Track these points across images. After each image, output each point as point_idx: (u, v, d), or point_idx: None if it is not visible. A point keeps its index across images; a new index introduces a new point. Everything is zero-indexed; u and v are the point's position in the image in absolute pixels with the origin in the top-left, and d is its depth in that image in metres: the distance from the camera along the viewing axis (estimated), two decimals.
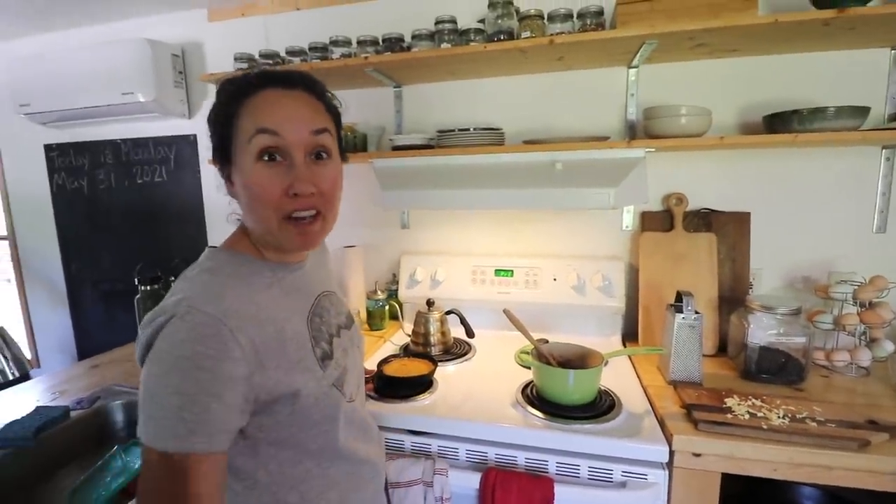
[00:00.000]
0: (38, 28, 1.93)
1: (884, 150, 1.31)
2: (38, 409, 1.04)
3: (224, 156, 0.64)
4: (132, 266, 1.68)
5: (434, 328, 1.40)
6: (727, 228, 1.40)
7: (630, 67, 1.42)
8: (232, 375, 0.54)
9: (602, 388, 1.10)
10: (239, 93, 0.62)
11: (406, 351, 1.41)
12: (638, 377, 1.21)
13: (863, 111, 1.14)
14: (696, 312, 1.14)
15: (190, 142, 1.89)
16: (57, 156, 2.07)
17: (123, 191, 2.01)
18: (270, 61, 1.54)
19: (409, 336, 1.45)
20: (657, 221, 1.46)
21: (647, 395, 1.11)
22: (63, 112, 1.80)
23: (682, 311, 1.14)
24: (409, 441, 1.04)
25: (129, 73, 1.68)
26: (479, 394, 1.13)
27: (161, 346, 0.54)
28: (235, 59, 1.56)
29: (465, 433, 1.01)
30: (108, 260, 2.09)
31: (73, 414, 1.07)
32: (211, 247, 0.67)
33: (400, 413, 1.04)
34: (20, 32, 1.97)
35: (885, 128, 1.23)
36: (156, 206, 1.98)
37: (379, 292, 1.62)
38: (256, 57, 1.55)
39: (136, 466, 0.95)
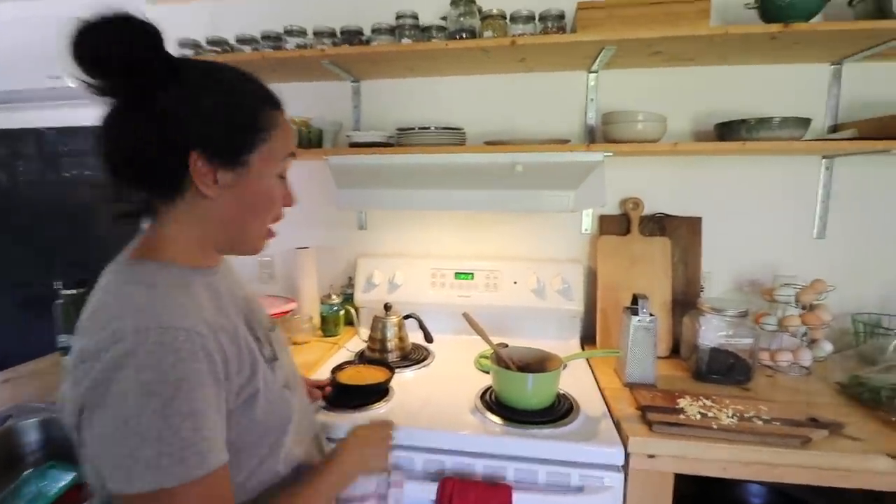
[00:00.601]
0: None
1: (823, 160, 1.42)
2: None
3: (232, 156, 0.61)
4: (53, 269, 1.55)
5: (391, 333, 1.38)
6: (680, 232, 1.46)
7: (590, 72, 1.47)
8: (220, 386, 0.56)
9: (561, 391, 1.11)
10: (269, 101, 0.65)
11: (362, 358, 1.38)
12: (596, 380, 1.24)
13: (805, 122, 1.22)
14: (651, 315, 1.18)
15: None
16: None
17: (47, 185, 1.87)
18: (218, 48, 1.47)
19: (366, 342, 1.42)
20: (615, 225, 1.51)
21: (604, 397, 1.14)
22: None
23: (637, 314, 1.18)
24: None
25: (57, 54, 1.56)
26: (438, 400, 1.12)
27: (144, 379, 0.49)
28: (180, 45, 1.48)
29: (422, 442, 0.99)
30: (27, 262, 1.93)
31: None
32: (121, 263, 0.60)
33: (354, 423, 1.01)
34: None
35: (825, 138, 1.32)
36: (84, 201, 1.85)
37: (333, 296, 1.58)
38: (203, 44, 1.48)
39: (53, 492, 0.87)
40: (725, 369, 1.21)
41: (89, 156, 1.83)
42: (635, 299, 1.20)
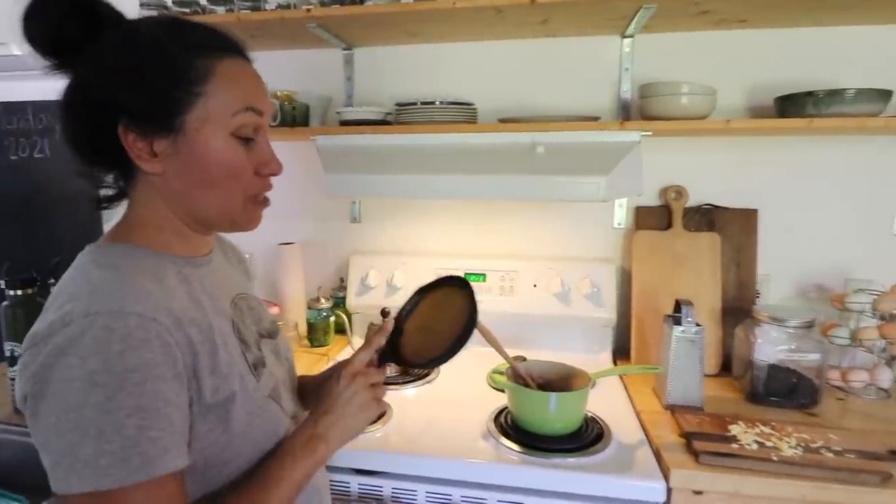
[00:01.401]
0: None
1: None
2: None
3: (160, 122, 0.59)
4: (1, 266, 1.56)
5: None
6: (732, 227, 1.44)
7: (624, 37, 1.44)
8: (181, 381, 0.55)
9: (589, 414, 1.10)
10: (203, 50, 0.60)
11: None
12: (630, 401, 1.22)
13: (885, 94, 1.19)
14: (697, 325, 1.16)
15: None
16: None
17: None
18: (188, 9, 1.46)
19: None
20: (654, 218, 1.49)
21: (640, 421, 1.12)
22: None
23: (680, 324, 1.16)
24: (355, 483, 1.01)
25: (1, 20, 1.56)
26: (443, 423, 1.11)
27: (89, 367, 0.50)
28: (141, 5, 1.48)
29: (425, 471, 0.98)
30: None
31: None
32: (93, 245, 0.63)
33: (344, 449, 1.00)
34: None
35: None
36: (34, 189, 1.85)
37: (322, 300, 1.57)
38: (170, 4, 1.47)
39: None
40: (787, 390, 1.18)
41: (40, 136, 1.83)
42: (678, 306, 1.18)
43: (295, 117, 1.50)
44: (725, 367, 1.37)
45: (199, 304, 0.63)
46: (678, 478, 0.92)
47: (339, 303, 1.63)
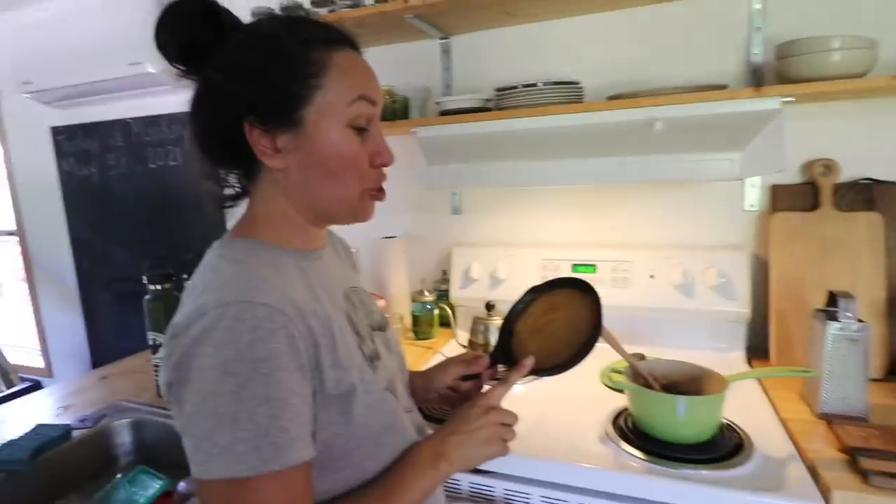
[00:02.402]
0: None
1: None
2: (37, 427, 1.09)
3: (283, 117, 0.61)
4: (144, 263, 1.74)
5: (496, 337, 1.32)
6: None
7: None
8: (305, 372, 0.57)
9: (724, 421, 0.98)
10: (318, 43, 0.62)
11: None
12: (773, 407, 1.08)
13: None
14: (859, 321, 0.99)
15: None
16: (64, 139, 2.20)
17: (135, 177, 2.10)
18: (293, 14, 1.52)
19: (465, 347, 1.39)
20: (795, 198, 1.30)
21: (787, 432, 0.99)
22: (67, 89, 1.89)
23: (837, 319, 1.00)
24: (466, 481, 0.99)
25: (137, 40, 1.73)
26: (556, 422, 1.06)
27: (223, 357, 0.52)
28: (253, 15, 1.55)
29: (539, 474, 0.94)
30: (121, 256, 2.20)
31: (75, 434, 1.10)
32: (219, 241, 0.67)
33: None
34: (17, 2, 2.08)
35: None
36: (170, 193, 2.05)
37: (426, 293, 1.57)
38: (277, 11, 1.54)
39: (143, 500, 0.95)
40: None
41: (173, 145, 2.02)
42: (833, 299, 1.02)
43: (395, 111, 1.51)
44: (893, 371, 1.17)
45: (317, 296, 0.64)
46: (842, 501, 0.79)
47: (443, 296, 1.63)
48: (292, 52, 0.60)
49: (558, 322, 0.79)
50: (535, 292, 0.84)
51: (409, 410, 0.75)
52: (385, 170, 0.69)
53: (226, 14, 0.63)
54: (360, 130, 0.64)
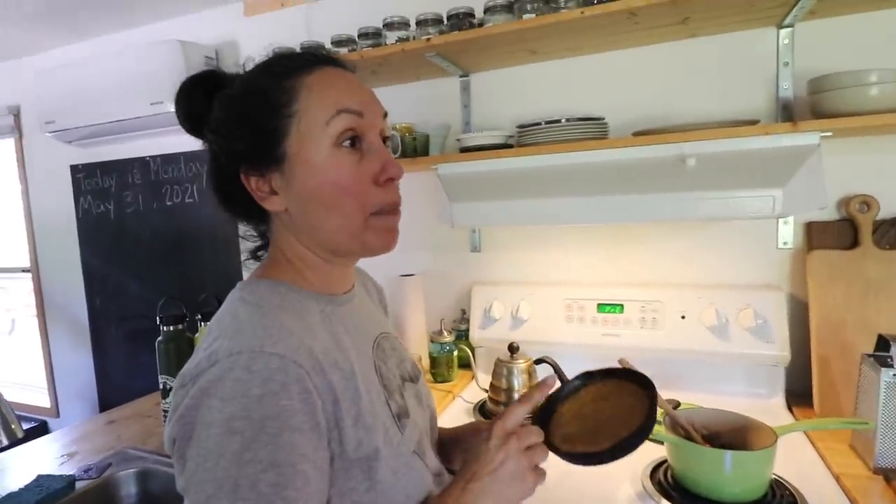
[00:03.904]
0: (64, 39, 2.11)
1: None
2: (39, 478, 1.05)
3: (266, 157, 0.59)
4: (158, 301, 1.72)
5: (519, 382, 1.27)
6: None
7: (781, 27, 1.26)
8: (321, 432, 0.52)
9: (773, 476, 0.91)
10: (290, 71, 0.60)
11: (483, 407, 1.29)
12: (823, 460, 1.01)
13: None
14: None
15: None
16: (84, 177, 2.23)
17: (152, 214, 2.11)
18: None
19: (486, 391, 1.34)
20: (832, 235, 1.25)
21: (843, 489, 0.91)
22: (89, 128, 1.92)
23: (891, 366, 0.94)
24: None
25: (159, 81, 1.77)
26: (586, 474, 0.98)
27: (228, 413, 0.48)
28: (245, 62, 1.58)
29: None
30: (134, 294, 2.18)
31: (78, 485, 1.06)
32: (243, 281, 0.64)
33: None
34: (46, 45, 2.16)
35: None
36: (186, 231, 2.05)
37: (445, 333, 1.52)
38: (298, 51, 1.56)
39: None
40: None
41: (190, 183, 2.03)
42: (885, 343, 0.96)
43: (416, 148, 1.50)
44: None
45: (342, 345, 0.60)
46: None
47: (462, 335, 1.58)
48: (264, 88, 0.59)
49: (605, 412, 0.72)
50: (589, 378, 0.78)
51: (438, 474, 0.69)
52: (402, 207, 0.64)
53: (220, 78, 0.64)
54: (353, 147, 0.60)
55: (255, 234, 0.70)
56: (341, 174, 0.58)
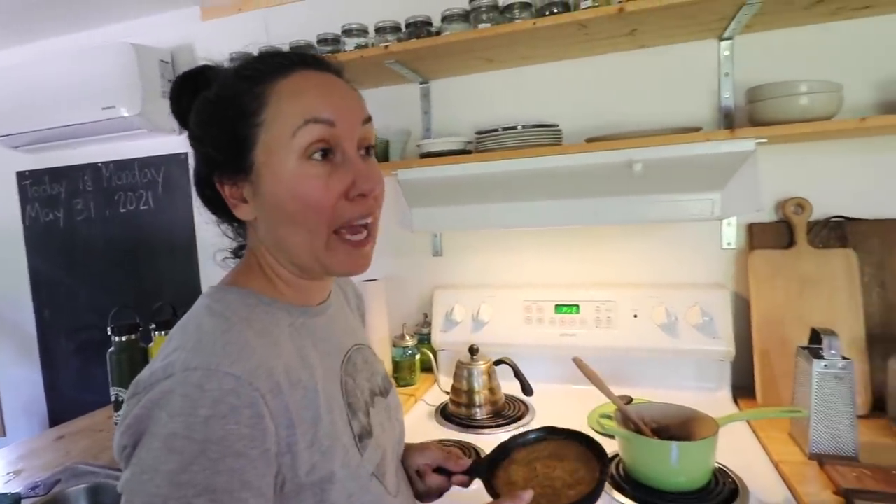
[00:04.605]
0: (12, 41, 2.03)
1: None
2: None
3: (236, 165, 0.57)
4: (111, 311, 1.67)
5: (480, 383, 1.30)
6: (871, 242, 1.25)
7: (722, 39, 1.33)
8: (269, 459, 0.50)
9: (716, 465, 0.96)
10: (262, 76, 0.56)
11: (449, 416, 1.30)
12: (764, 448, 1.07)
13: None
14: (844, 358, 1.00)
15: (180, 161, 1.91)
16: (30, 184, 2.14)
17: (104, 221, 2.05)
18: None
19: (448, 393, 1.35)
20: (770, 236, 1.33)
21: (781, 475, 0.97)
22: (37, 133, 1.85)
23: (822, 357, 1.00)
24: None
25: (111, 85, 1.72)
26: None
27: (172, 429, 0.46)
28: (230, 61, 1.57)
29: None
30: (85, 304, 2.11)
31: (24, 503, 1.02)
32: (213, 286, 0.62)
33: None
34: None
35: None
36: (141, 238, 2.00)
37: (407, 337, 1.53)
38: (281, 51, 1.55)
39: None
40: None
41: (145, 189, 1.98)
42: (817, 336, 1.02)
43: (376, 154, 1.51)
44: (877, 408, 1.17)
45: (308, 362, 0.58)
46: None
47: (424, 339, 1.59)
48: (236, 94, 0.56)
49: (558, 469, 0.72)
50: (550, 433, 0.78)
51: (397, 494, 0.66)
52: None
53: (212, 73, 0.61)
54: (325, 158, 0.56)
55: (232, 235, 0.69)
56: (307, 188, 0.55)
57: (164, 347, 0.53)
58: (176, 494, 0.44)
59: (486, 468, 0.73)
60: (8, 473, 1.17)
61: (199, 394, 0.47)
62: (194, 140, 0.60)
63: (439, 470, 0.77)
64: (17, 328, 2.25)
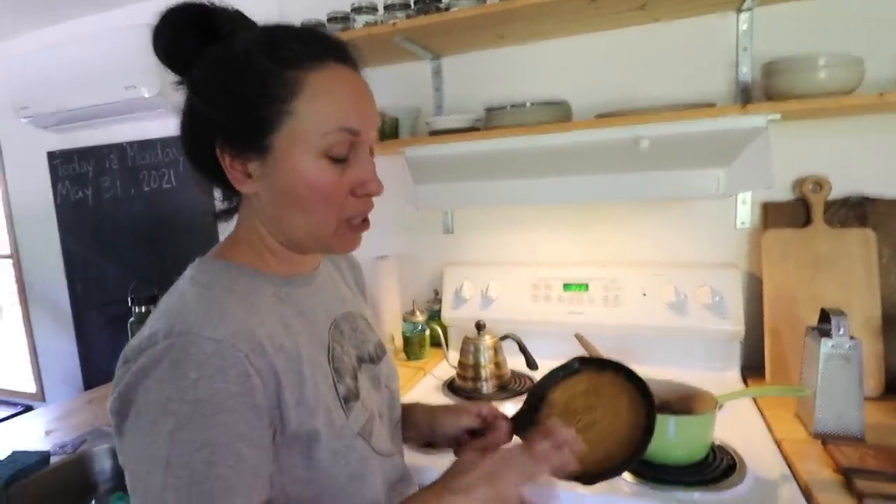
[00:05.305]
0: (40, 22, 2.09)
1: None
2: (14, 454, 1.07)
3: (249, 142, 0.57)
4: (136, 286, 1.74)
5: (486, 358, 1.31)
6: (891, 222, 1.21)
7: (741, 11, 1.29)
8: (259, 412, 0.53)
9: (717, 442, 0.96)
10: (297, 61, 0.56)
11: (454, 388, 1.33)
12: (768, 427, 1.06)
13: None
14: (852, 338, 0.98)
15: None
16: (61, 163, 2.22)
17: (130, 199, 2.12)
18: None
19: (455, 368, 1.37)
20: (786, 215, 1.30)
21: (782, 453, 0.97)
22: (63, 114, 1.92)
23: (830, 336, 0.99)
24: None
25: (132, 65, 1.76)
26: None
27: (163, 394, 0.49)
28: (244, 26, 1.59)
29: None
30: (114, 279, 2.19)
31: (53, 460, 1.09)
32: (200, 257, 0.64)
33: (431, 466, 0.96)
34: (21, 28, 2.13)
35: None
36: (163, 215, 2.06)
37: (418, 313, 1.56)
38: (310, 32, 1.57)
39: None
40: None
41: (167, 168, 2.04)
42: (826, 316, 1.01)
43: (385, 131, 1.52)
44: (891, 389, 1.15)
45: (291, 328, 0.60)
46: None
47: (434, 316, 1.62)
48: (262, 72, 0.55)
49: (598, 413, 0.68)
50: (584, 364, 0.73)
51: (389, 454, 0.69)
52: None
53: (222, 18, 0.58)
54: (338, 160, 0.59)
55: (221, 197, 0.68)
56: (322, 182, 0.58)
57: (152, 317, 0.56)
58: (177, 451, 0.48)
59: (530, 420, 0.69)
60: (44, 433, 1.24)
61: (185, 357, 0.50)
62: (199, 98, 0.58)
63: (474, 432, 0.77)
64: (52, 302, 2.36)
